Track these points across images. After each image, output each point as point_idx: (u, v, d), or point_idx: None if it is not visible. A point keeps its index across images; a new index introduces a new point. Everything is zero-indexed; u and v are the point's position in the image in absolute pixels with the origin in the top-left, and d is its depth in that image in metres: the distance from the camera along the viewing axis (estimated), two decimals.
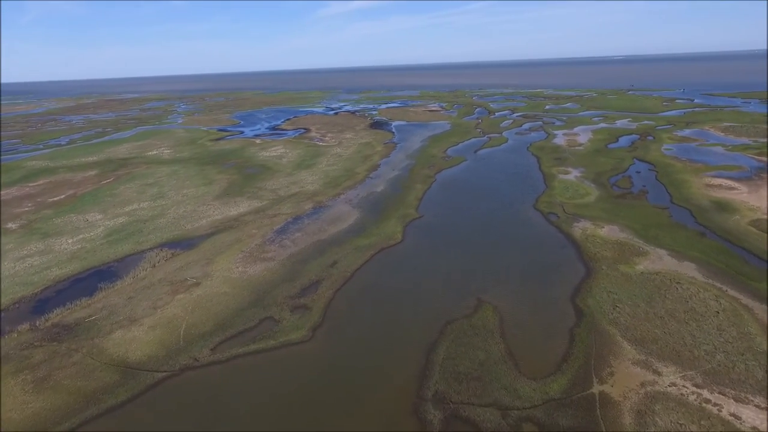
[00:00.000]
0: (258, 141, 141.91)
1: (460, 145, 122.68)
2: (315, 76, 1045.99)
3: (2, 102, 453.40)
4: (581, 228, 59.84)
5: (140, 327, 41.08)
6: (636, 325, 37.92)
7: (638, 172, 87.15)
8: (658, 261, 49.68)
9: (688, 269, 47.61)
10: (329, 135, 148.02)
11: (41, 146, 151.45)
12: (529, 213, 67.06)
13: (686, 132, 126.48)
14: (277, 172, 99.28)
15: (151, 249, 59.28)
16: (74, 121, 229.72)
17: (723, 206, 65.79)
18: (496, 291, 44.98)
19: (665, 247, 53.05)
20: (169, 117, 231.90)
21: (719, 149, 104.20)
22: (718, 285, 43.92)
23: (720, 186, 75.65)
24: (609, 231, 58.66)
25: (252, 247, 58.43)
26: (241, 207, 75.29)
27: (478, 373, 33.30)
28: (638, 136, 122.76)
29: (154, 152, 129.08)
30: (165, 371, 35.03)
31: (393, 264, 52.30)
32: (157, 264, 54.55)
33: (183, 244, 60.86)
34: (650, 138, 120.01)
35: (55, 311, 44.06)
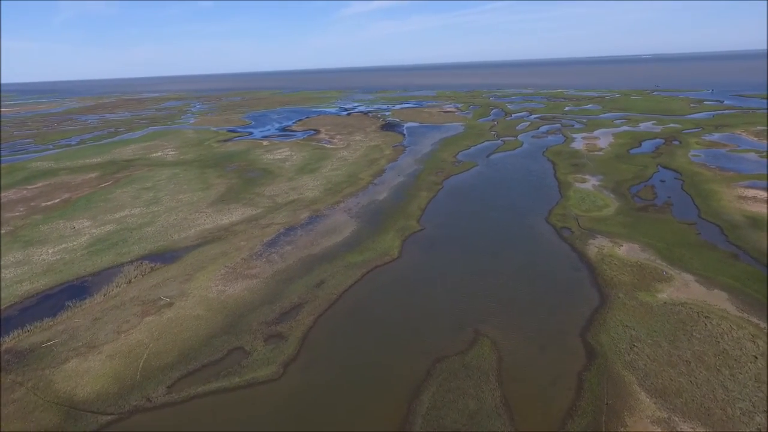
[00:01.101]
0: (265, 143, 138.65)
1: (473, 148, 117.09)
2: (334, 75, 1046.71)
3: (27, 101, 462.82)
4: (597, 246, 54.09)
5: (98, 356, 37.21)
6: (657, 372, 32.39)
7: (662, 181, 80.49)
8: (684, 288, 43.80)
9: (719, 299, 41.67)
10: (338, 137, 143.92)
11: (51, 146, 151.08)
12: (540, 227, 61.47)
13: (715, 136, 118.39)
14: (278, 176, 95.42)
15: (131, 262, 55.69)
16: (89, 121, 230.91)
17: (758, 222, 59.12)
18: (497, 321, 39.85)
19: (692, 272, 47.07)
20: (182, 117, 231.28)
21: (752, 156, 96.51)
22: (755, 321, 37.95)
23: (754, 198, 68.74)
24: (628, 250, 52.81)
25: (237, 261, 54.34)
26: (234, 215, 71.44)
27: (466, 430, 28.33)
28: (663, 141, 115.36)
29: (159, 154, 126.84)
30: (111, 414, 30.97)
31: (385, 285, 47.52)
32: (133, 279, 50.87)
33: (166, 256, 57.15)
34: (676, 142, 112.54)
35: (12, 334, 40.59)
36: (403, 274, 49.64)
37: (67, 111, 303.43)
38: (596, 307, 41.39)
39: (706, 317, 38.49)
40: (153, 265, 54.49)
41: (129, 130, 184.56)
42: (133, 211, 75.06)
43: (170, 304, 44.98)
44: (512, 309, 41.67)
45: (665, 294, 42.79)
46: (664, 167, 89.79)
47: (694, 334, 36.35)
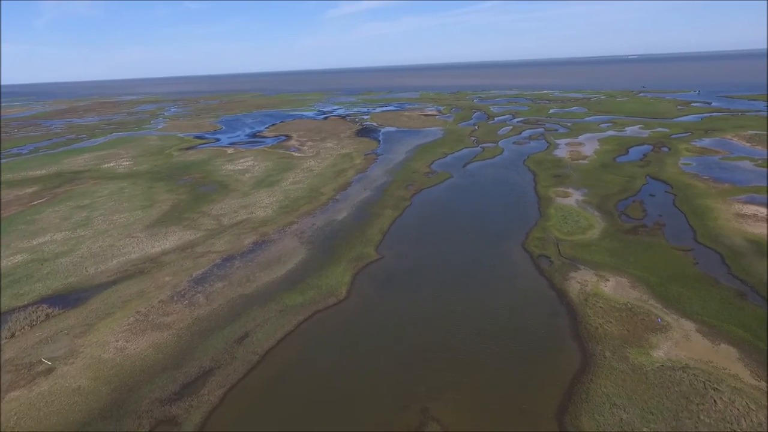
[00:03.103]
0: (230, 151, 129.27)
1: (449, 157, 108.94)
2: (322, 76, 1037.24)
3: (1, 104, 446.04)
4: (580, 281, 46.00)
5: None
6: None
7: (652, 196, 72.93)
8: (684, 343, 35.77)
9: (728, 359, 33.69)
10: (309, 143, 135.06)
11: None
12: (515, 255, 53.25)
13: (706, 142, 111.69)
14: (232, 191, 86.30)
15: (26, 306, 46.38)
16: (53, 126, 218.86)
17: (762, 248, 51.49)
18: (453, 396, 31.40)
19: (692, 317, 39.12)
20: (152, 121, 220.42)
21: (747, 164, 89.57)
22: None
23: (754, 216, 61.34)
24: (616, 286, 44.78)
25: (153, 305, 45.35)
26: (168, 241, 62.29)
27: None
28: (651, 147, 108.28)
29: (112, 164, 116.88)
30: None
31: (322, 339, 38.87)
32: (18, 332, 41.64)
33: (70, 298, 47.93)
34: (665, 149, 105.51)
35: None
36: (346, 323, 40.99)
37: (35, 116, 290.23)
38: (577, 371, 33.17)
39: (714, 389, 30.43)
40: (51, 310, 45.28)
41: (91, 137, 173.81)
42: (55, 237, 65.54)
43: (50, 371, 35.89)
44: (473, 377, 33.26)
45: (662, 351, 34.70)
46: (654, 178, 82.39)
47: (701, 417, 28.24)
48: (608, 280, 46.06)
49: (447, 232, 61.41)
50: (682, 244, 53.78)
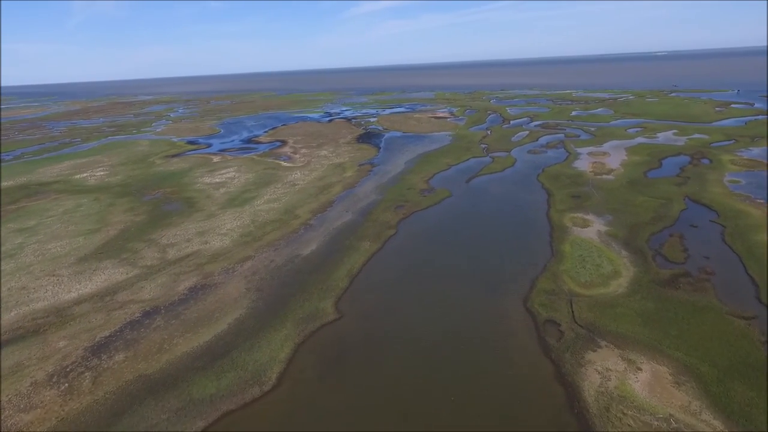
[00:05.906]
0: (215, 159, 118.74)
1: (453, 169, 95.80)
2: (339, 75, 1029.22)
3: (18, 106, 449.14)
4: (600, 370, 32.83)
5: None
6: None
7: (694, 227, 58.70)
8: None
9: None
10: (303, 150, 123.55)
11: None
12: (513, 321, 40.20)
13: (755, 152, 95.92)
14: (197, 211, 75.21)
15: None
16: (55, 129, 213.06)
17: None
18: None
19: None
20: (153, 124, 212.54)
21: None
22: None
23: None
24: (652, 382, 31.48)
25: (21, 390, 34.08)
26: (92, 282, 51.26)
27: None
28: (689, 159, 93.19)
29: (85, 174, 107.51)
30: None
31: None
32: None
33: None
34: (705, 161, 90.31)
35: None
36: None
37: (44, 117, 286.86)
38: None
39: None
40: None
41: (84, 141, 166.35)
42: None
43: None
44: None
45: None
46: (694, 201, 67.95)
47: None
48: (641, 370, 32.76)
49: (429, 279, 48.65)
50: (741, 308, 39.88)
